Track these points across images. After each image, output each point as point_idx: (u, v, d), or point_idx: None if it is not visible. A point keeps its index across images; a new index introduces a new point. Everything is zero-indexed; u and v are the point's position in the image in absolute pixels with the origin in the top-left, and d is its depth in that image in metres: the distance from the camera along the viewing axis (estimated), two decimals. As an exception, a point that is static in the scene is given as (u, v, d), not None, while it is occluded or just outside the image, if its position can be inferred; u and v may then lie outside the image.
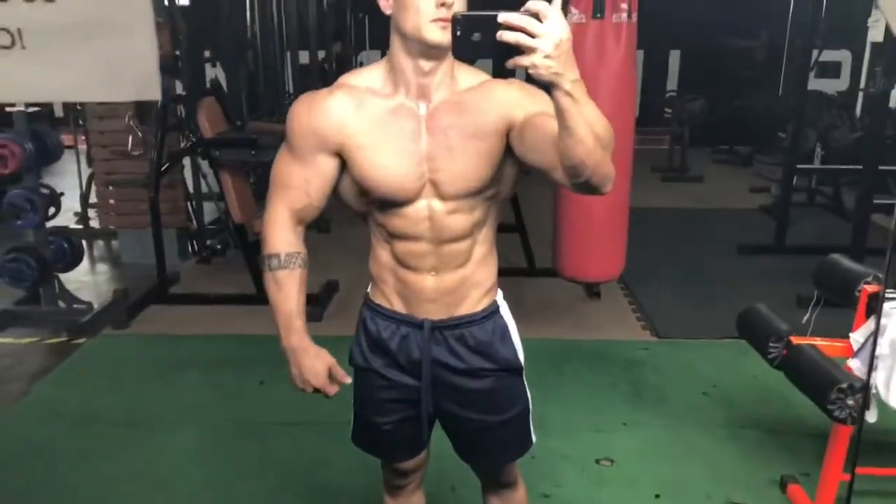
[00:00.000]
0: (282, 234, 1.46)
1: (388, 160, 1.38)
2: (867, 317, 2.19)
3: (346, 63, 6.92)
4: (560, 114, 1.14)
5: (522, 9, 1.06)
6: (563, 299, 4.15)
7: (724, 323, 3.25)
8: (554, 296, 4.15)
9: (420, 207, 1.42)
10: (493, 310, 1.58)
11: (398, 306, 1.54)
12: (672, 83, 8.65)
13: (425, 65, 1.35)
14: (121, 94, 1.88)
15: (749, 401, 3.10)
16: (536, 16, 1.06)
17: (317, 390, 1.48)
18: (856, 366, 2.16)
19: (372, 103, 1.39)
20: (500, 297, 1.60)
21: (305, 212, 1.46)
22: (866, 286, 2.21)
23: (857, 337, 2.20)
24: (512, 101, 1.38)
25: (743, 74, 8.20)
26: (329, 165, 1.42)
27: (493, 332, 1.57)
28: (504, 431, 1.64)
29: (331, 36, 6.78)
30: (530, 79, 1.15)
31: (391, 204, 1.43)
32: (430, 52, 1.32)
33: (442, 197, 1.41)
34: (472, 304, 1.54)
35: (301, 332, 1.46)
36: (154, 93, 1.79)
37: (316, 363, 1.47)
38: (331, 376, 1.48)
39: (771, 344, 2.28)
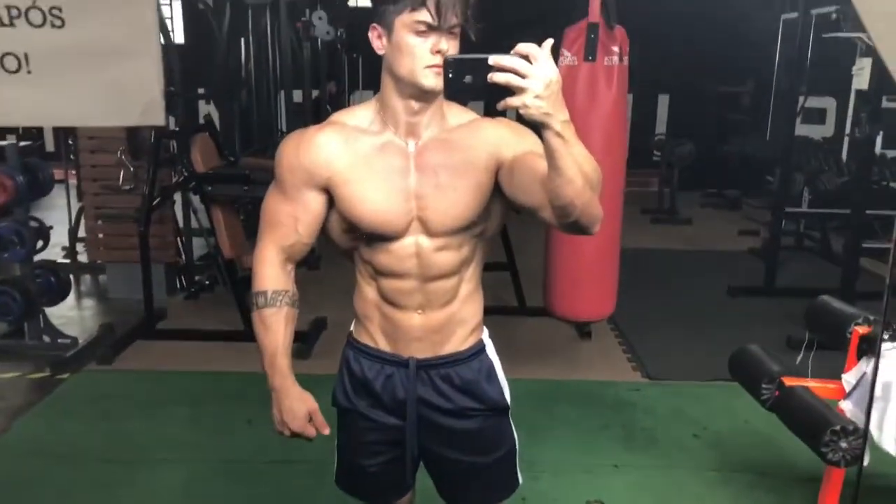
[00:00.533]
0: (270, 272, 1.45)
1: (375, 195, 1.39)
2: (858, 358, 2.19)
3: (339, 102, 6.99)
4: (550, 154, 1.16)
5: (513, 51, 1.09)
6: (554, 339, 4.13)
7: (714, 365, 3.25)
8: (545, 335, 4.14)
9: (407, 244, 1.42)
10: (480, 348, 1.56)
11: (383, 345, 1.52)
12: (661, 126, 8.77)
13: (416, 105, 1.37)
14: (126, 118, 1.88)
15: (740, 444, 3.08)
16: (527, 58, 1.08)
17: (295, 434, 1.46)
18: (848, 407, 2.16)
19: (360, 140, 1.40)
20: (485, 335, 1.59)
21: (294, 249, 1.46)
22: (857, 327, 2.22)
23: (848, 378, 2.20)
24: (500, 139, 1.39)
25: (731, 119, 8.34)
26: (317, 202, 1.42)
27: (480, 370, 1.56)
28: (491, 473, 1.61)
29: (325, 76, 6.86)
30: (521, 119, 1.17)
31: (378, 239, 1.43)
32: (423, 95, 1.34)
33: (430, 234, 1.41)
34: (459, 343, 1.53)
35: (284, 372, 1.44)
36: (159, 118, 1.79)
37: (296, 405, 1.44)
38: (311, 421, 1.46)
39: (763, 385, 2.27)
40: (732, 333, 3.92)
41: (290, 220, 1.43)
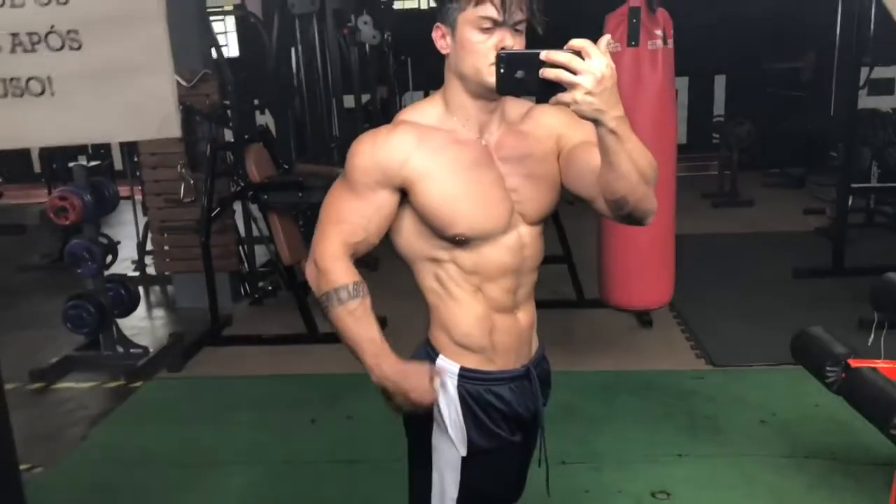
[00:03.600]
0: (343, 265, 1.35)
1: (468, 193, 1.33)
2: (929, 336, 2.10)
3: (390, 106, 7.05)
4: (603, 150, 1.15)
5: (565, 46, 1.08)
6: (614, 329, 4.08)
7: (780, 349, 3.14)
8: (604, 326, 4.09)
9: (513, 237, 1.38)
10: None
11: (501, 363, 1.43)
12: (719, 108, 8.55)
13: (488, 104, 1.35)
14: (143, 133, 1.95)
15: (811, 429, 2.99)
16: (579, 53, 1.07)
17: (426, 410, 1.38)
18: (920, 388, 2.07)
19: (435, 138, 1.34)
20: None
21: (360, 246, 1.37)
22: (927, 305, 2.12)
23: (920, 358, 2.11)
24: (559, 125, 1.39)
25: (791, 95, 8.06)
26: (390, 202, 1.35)
27: (547, 359, 1.57)
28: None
29: (375, 81, 6.93)
30: None
31: (482, 238, 1.35)
32: (490, 93, 1.30)
33: (529, 224, 1.40)
34: (536, 337, 1.52)
35: (393, 356, 1.34)
36: (174, 130, 1.85)
37: (421, 380, 1.34)
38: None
39: (828, 368, 2.20)
40: (798, 316, 3.80)
41: (359, 217, 1.35)
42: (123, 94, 1.66)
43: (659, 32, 3.01)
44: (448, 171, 1.33)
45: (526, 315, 1.46)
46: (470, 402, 1.41)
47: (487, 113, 1.36)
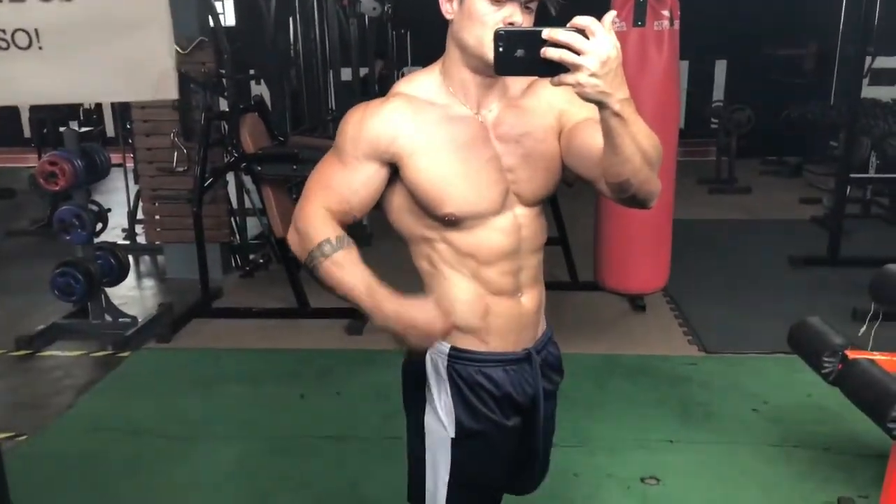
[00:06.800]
0: (324, 223, 1.28)
1: (461, 171, 1.28)
2: (929, 330, 2.08)
3: (388, 80, 6.96)
4: (606, 132, 1.10)
5: (569, 24, 1.02)
6: (608, 313, 4.06)
7: (774, 337, 3.14)
8: (598, 309, 4.08)
9: (507, 219, 1.33)
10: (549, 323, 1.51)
11: (496, 345, 1.37)
12: (718, 93, 8.50)
13: (487, 79, 1.29)
14: (139, 93, 1.87)
15: (803, 418, 2.98)
16: (583, 32, 1.01)
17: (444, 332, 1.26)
18: (917, 382, 2.05)
19: (430, 112, 1.29)
20: None
21: (343, 217, 1.32)
22: (927, 298, 2.10)
23: (918, 351, 2.09)
24: (561, 102, 1.32)
25: (792, 83, 8.01)
26: (378, 176, 1.30)
27: (555, 343, 1.52)
28: (548, 453, 1.57)
29: (373, 54, 6.83)
30: None
31: (473, 219, 1.30)
32: (489, 69, 1.18)
33: (525, 205, 1.35)
34: (544, 320, 1.47)
35: (391, 295, 1.22)
36: (172, 91, 1.76)
37: (427, 311, 1.22)
38: None
39: (825, 358, 2.18)
40: (793, 305, 3.80)
41: (345, 188, 1.30)
42: (118, 50, 1.58)
43: (666, 13, 2.96)
44: (440, 149, 1.27)
45: (531, 298, 1.40)
46: (459, 382, 1.37)
47: (486, 88, 1.30)
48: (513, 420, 1.42)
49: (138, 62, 1.64)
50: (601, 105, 1.05)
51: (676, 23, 3.04)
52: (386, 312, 1.21)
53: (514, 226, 1.33)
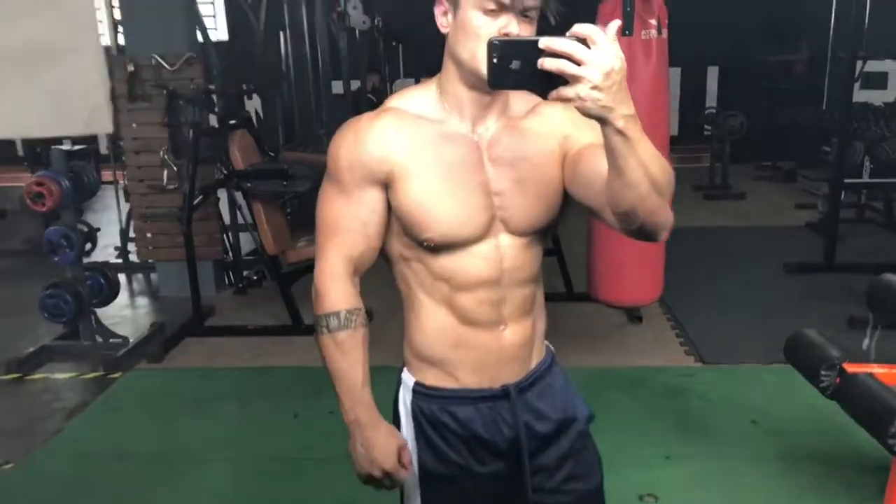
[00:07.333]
0: (339, 288, 1.23)
1: (447, 193, 1.21)
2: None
3: (382, 94, 6.94)
4: (610, 153, 1.01)
5: (569, 32, 0.95)
6: (603, 325, 4.03)
7: (771, 346, 3.11)
8: (593, 321, 4.04)
9: (489, 246, 1.24)
10: (552, 354, 1.41)
11: (468, 381, 1.28)
12: (711, 100, 8.51)
13: (483, 97, 1.21)
14: (68, 127, 1.79)
15: (802, 430, 2.94)
16: (585, 41, 0.94)
17: (385, 475, 1.24)
18: (916, 394, 2.02)
19: (422, 129, 1.22)
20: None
21: (364, 257, 1.25)
22: (925, 308, 2.07)
23: (917, 363, 2.06)
24: (565, 125, 1.24)
25: (784, 88, 8.02)
26: (381, 199, 1.23)
27: (563, 377, 1.40)
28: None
29: (366, 68, 6.81)
30: None
31: (452, 245, 1.22)
32: (485, 85, 1.09)
33: (512, 234, 1.25)
34: (539, 352, 1.37)
35: (370, 405, 1.23)
36: (105, 125, 1.69)
37: (388, 443, 1.23)
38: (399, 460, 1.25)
39: (823, 372, 2.14)
40: (789, 313, 3.78)
41: (356, 224, 1.23)
42: (44, 81, 1.50)
43: (654, 22, 2.94)
44: (428, 171, 1.21)
45: (518, 332, 1.29)
46: (422, 420, 1.30)
47: (483, 106, 1.22)
48: (490, 466, 1.31)
49: (68, 94, 1.56)
50: (603, 121, 0.97)
51: (664, 31, 3.02)
52: (354, 418, 1.23)
53: (496, 254, 1.25)
